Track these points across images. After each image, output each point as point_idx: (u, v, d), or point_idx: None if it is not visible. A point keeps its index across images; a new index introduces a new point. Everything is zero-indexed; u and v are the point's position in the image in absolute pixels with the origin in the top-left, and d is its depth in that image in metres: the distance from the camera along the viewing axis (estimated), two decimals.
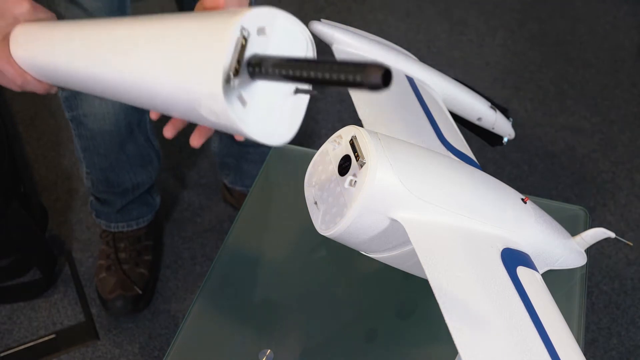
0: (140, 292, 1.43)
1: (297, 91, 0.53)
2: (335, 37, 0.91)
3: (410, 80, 0.93)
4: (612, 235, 0.80)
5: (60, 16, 1.07)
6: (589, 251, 0.82)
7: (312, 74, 0.46)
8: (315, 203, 0.66)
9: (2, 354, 1.38)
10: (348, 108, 1.93)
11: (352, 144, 0.62)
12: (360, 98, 0.83)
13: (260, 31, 0.49)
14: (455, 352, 0.54)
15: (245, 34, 0.48)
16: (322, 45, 0.95)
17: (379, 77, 0.42)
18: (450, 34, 2.21)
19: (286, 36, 0.52)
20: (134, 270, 1.45)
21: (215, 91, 0.47)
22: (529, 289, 0.63)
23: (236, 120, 0.48)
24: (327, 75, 0.45)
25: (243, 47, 0.48)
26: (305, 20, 0.97)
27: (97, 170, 1.35)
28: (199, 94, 0.48)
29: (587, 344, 1.37)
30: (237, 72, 0.47)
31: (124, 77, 0.53)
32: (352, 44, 0.92)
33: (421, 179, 0.62)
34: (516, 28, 2.24)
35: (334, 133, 0.66)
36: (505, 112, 1.04)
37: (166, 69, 0.50)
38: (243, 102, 0.49)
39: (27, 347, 1.39)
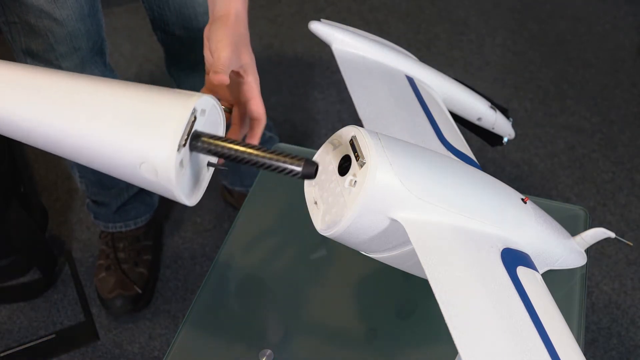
0: (139, 291, 1.43)
1: (209, 164, 0.61)
2: (334, 37, 0.91)
3: (410, 80, 0.93)
4: (612, 235, 0.80)
5: (30, 26, 1.07)
6: (589, 251, 0.82)
7: (254, 158, 0.55)
8: (315, 203, 0.66)
9: (2, 354, 1.38)
10: (348, 108, 1.93)
11: (352, 143, 0.62)
12: (360, 98, 0.83)
13: (202, 112, 0.57)
14: (455, 352, 0.54)
15: (195, 113, 0.56)
16: (322, 45, 0.95)
17: (314, 171, 0.54)
18: (450, 34, 2.21)
19: (211, 114, 0.60)
20: (134, 270, 1.45)
21: (170, 155, 0.54)
22: (529, 289, 0.63)
23: (174, 180, 0.55)
24: (267, 162, 0.55)
25: (192, 124, 0.56)
26: (305, 20, 0.97)
27: (90, 173, 1.36)
28: (149, 155, 0.55)
29: (587, 344, 1.37)
30: (185, 144, 0.56)
31: (66, 131, 0.57)
32: (351, 44, 0.92)
33: (421, 179, 0.62)
34: (516, 28, 2.24)
35: (334, 133, 0.66)
36: (505, 112, 1.04)
37: (118, 128, 0.56)
38: (182, 166, 0.57)
39: (27, 347, 1.39)
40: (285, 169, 0.55)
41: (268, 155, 0.55)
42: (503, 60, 2.11)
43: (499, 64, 2.09)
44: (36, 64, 1.12)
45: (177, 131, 0.54)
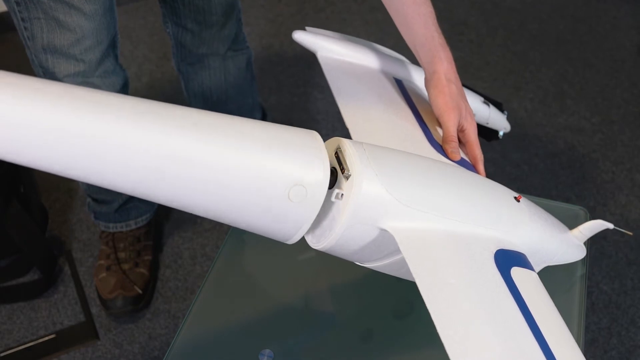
0: (140, 291, 1.43)
1: None
2: (319, 45, 0.92)
3: (399, 83, 0.92)
4: (611, 226, 0.79)
5: (58, 22, 1.07)
6: (589, 251, 0.82)
7: None
8: None
9: (2, 354, 1.38)
10: None
11: (337, 156, 0.61)
12: (346, 106, 0.83)
13: None
14: None
15: None
16: (310, 54, 0.95)
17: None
18: (450, 34, 2.20)
19: None
20: (134, 270, 1.45)
21: (325, 177, 0.57)
22: (524, 290, 0.62)
23: (320, 204, 0.57)
24: None
25: None
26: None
27: None
28: (304, 177, 0.56)
29: (587, 344, 1.37)
30: None
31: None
32: (336, 51, 0.92)
33: (408, 186, 0.61)
34: (516, 28, 2.24)
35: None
36: (499, 105, 1.04)
37: (269, 151, 0.55)
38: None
39: (27, 347, 1.39)
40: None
41: None
42: (503, 60, 2.11)
43: (499, 64, 2.09)
44: (56, 59, 1.12)
45: (325, 156, 0.57)
